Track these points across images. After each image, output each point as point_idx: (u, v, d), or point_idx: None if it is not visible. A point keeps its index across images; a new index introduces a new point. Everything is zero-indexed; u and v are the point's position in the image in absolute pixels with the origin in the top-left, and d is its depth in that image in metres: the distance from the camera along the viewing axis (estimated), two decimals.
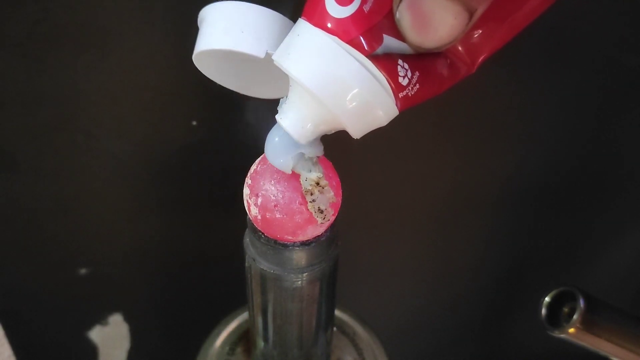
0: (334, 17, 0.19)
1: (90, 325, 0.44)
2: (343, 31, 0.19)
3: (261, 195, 0.22)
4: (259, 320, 0.26)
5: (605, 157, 0.42)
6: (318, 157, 0.22)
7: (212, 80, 0.25)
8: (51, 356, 0.45)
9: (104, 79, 0.33)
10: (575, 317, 0.28)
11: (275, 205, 0.21)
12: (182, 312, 0.46)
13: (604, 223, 0.46)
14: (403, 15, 0.19)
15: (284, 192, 0.21)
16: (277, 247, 0.23)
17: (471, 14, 0.18)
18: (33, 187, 0.36)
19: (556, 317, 0.30)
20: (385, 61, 0.19)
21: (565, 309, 0.30)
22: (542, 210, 0.45)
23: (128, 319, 0.44)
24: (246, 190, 0.22)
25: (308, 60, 0.19)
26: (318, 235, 0.23)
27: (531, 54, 0.36)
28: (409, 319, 0.51)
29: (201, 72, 0.24)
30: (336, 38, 0.19)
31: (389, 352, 0.31)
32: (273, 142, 0.22)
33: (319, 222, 0.22)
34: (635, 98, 0.39)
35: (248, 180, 0.22)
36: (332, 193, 0.22)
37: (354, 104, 0.20)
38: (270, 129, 0.22)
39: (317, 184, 0.21)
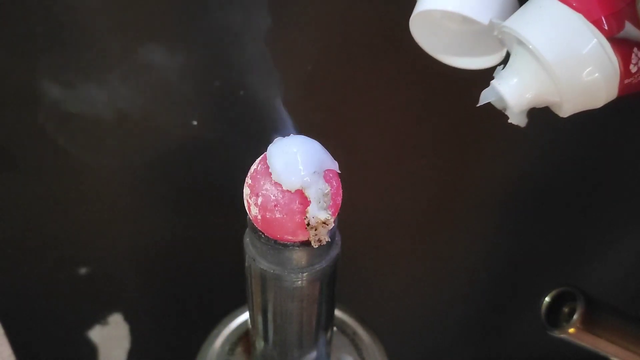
0: None
1: (90, 325, 0.44)
2: (588, 10, 0.20)
3: (261, 195, 0.22)
4: (259, 320, 0.26)
5: (605, 157, 0.42)
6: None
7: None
8: (51, 356, 0.45)
9: (104, 78, 0.33)
10: (575, 317, 0.28)
11: (275, 205, 0.21)
12: (182, 312, 0.46)
13: (604, 223, 0.46)
14: None
15: (284, 192, 0.21)
16: (277, 247, 0.23)
17: None
18: (33, 187, 0.36)
19: (556, 317, 0.30)
20: (622, 46, 0.20)
21: (565, 309, 0.30)
22: (542, 210, 0.45)
23: (128, 319, 0.44)
24: (246, 190, 0.22)
25: (549, 32, 0.20)
26: None
27: None
28: (409, 319, 0.51)
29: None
30: (581, 16, 0.20)
31: (389, 352, 0.31)
32: (291, 156, 0.21)
33: (314, 246, 0.22)
34: (636, 98, 0.39)
35: (248, 180, 0.22)
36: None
37: (583, 81, 0.20)
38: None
39: (324, 223, 0.21)
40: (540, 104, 0.22)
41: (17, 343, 0.41)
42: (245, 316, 0.32)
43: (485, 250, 0.47)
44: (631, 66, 0.21)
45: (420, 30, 0.25)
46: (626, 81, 0.21)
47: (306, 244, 0.23)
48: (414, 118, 0.39)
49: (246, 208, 0.23)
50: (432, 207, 0.44)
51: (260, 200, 0.22)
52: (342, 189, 0.23)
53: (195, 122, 0.35)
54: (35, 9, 0.30)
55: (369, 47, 0.35)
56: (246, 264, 0.24)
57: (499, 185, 0.43)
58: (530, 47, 0.20)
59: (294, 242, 0.22)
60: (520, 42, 0.21)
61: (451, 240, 0.46)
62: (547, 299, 0.30)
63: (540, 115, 0.39)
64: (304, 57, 0.34)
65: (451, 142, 0.40)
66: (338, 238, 0.24)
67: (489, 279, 0.49)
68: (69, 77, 0.32)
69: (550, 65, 0.20)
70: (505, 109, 0.23)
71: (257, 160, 0.23)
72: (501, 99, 0.22)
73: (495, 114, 0.39)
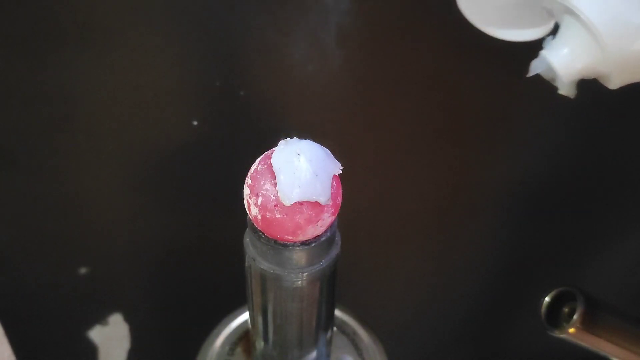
0: None
1: (90, 325, 0.44)
2: None
3: (261, 195, 0.22)
4: (259, 320, 0.26)
5: (605, 157, 0.42)
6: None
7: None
8: (51, 356, 0.45)
9: (104, 78, 0.33)
10: (575, 317, 0.28)
11: (275, 205, 0.21)
12: (182, 312, 0.46)
13: (604, 223, 0.46)
14: None
15: None
16: (277, 247, 0.23)
17: None
18: (33, 187, 0.36)
19: (556, 317, 0.30)
20: None
21: (565, 309, 0.30)
22: (542, 210, 0.45)
23: (128, 319, 0.44)
24: (246, 190, 0.22)
25: (605, 6, 0.19)
26: (318, 235, 0.23)
27: (531, 54, 0.36)
28: (409, 319, 0.51)
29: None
30: None
31: (389, 352, 0.31)
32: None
33: None
34: (636, 98, 0.39)
35: (248, 180, 0.22)
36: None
37: (634, 51, 0.20)
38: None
39: None
40: (590, 75, 0.22)
41: (17, 343, 0.41)
42: (245, 316, 0.32)
43: (485, 250, 0.47)
44: None
45: (467, 3, 0.25)
46: None
47: (306, 244, 0.23)
48: (415, 118, 0.39)
49: (246, 208, 0.23)
50: (432, 207, 0.44)
51: (260, 200, 0.22)
52: (342, 189, 0.23)
53: (195, 122, 0.35)
54: (35, 8, 0.30)
55: (369, 46, 0.35)
56: (246, 264, 0.24)
57: (499, 186, 0.43)
58: (581, 16, 0.20)
59: (294, 242, 0.22)
60: (570, 12, 0.21)
61: (451, 240, 0.46)
62: (547, 299, 0.30)
63: (540, 115, 0.39)
64: (304, 57, 0.34)
65: (451, 143, 0.40)
66: (338, 238, 0.24)
67: (489, 279, 0.49)
68: (68, 77, 0.32)
69: (601, 34, 0.20)
70: (554, 80, 0.23)
71: (257, 160, 0.23)
72: (551, 68, 0.22)
73: (496, 115, 0.39)
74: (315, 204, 0.21)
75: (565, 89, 0.23)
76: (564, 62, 0.21)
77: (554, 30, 0.23)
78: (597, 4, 0.20)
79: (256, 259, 0.24)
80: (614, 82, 0.22)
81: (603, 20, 0.20)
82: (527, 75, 0.23)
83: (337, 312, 0.33)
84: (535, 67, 0.23)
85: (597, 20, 0.20)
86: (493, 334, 0.54)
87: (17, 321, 0.41)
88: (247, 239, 0.24)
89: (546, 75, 0.23)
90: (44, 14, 0.30)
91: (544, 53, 0.22)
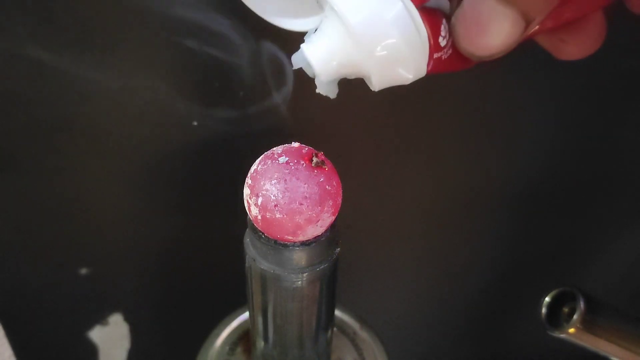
0: None
1: (90, 325, 0.44)
2: None
3: (261, 195, 0.22)
4: (259, 320, 0.26)
5: (605, 157, 0.42)
6: (321, 153, 0.22)
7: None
8: (51, 356, 0.45)
9: (104, 78, 0.33)
10: (575, 317, 0.28)
11: (275, 205, 0.21)
12: (182, 312, 0.46)
13: (604, 223, 0.46)
14: (459, 21, 0.18)
15: (285, 192, 0.21)
16: (277, 247, 0.23)
17: (528, 23, 0.18)
18: (33, 187, 0.36)
19: (556, 317, 0.30)
20: (432, 17, 0.19)
21: (565, 309, 0.30)
22: (542, 210, 0.45)
23: (128, 319, 0.44)
24: (246, 191, 0.22)
25: (360, 0, 0.18)
26: (318, 235, 0.23)
27: (531, 55, 0.36)
28: (409, 319, 0.51)
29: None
30: None
31: (389, 352, 0.31)
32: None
33: None
34: (635, 98, 0.39)
35: (248, 180, 0.22)
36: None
37: (387, 51, 0.19)
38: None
39: None
40: (350, 74, 0.21)
41: (17, 343, 0.41)
42: (245, 316, 0.32)
43: (485, 250, 0.47)
44: (440, 39, 0.19)
45: None
46: (436, 55, 0.19)
47: (306, 244, 0.23)
48: (414, 118, 0.39)
49: (246, 208, 0.23)
50: (432, 207, 0.44)
51: (260, 200, 0.22)
52: (342, 189, 0.23)
53: (195, 123, 0.35)
54: (36, 9, 0.30)
55: None
56: (246, 265, 0.24)
57: (499, 186, 0.43)
58: (336, 8, 0.19)
59: (294, 242, 0.22)
60: (329, 4, 0.19)
61: (451, 240, 0.46)
62: (547, 299, 0.30)
63: (540, 115, 0.39)
64: None
65: (451, 142, 0.40)
66: (338, 238, 0.24)
67: (489, 279, 0.49)
68: (69, 78, 0.32)
69: (354, 29, 0.18)
70: (314, 77, 0.21)
71: (257, 161, 0.23)
72: (308, 64, 0.20)
73: (495, 115, 0.39)
74: (315, 204, 0.21)
75: (324, 88, 0.21)
76: (319, 57, 0.20)
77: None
78: None
79: (256, 259, 0.24)
80: (374, 84, 0.20)
81: (356, 14, 0.18)
82: (293, 69, 0.21)
83: (337, 312, 0.33)
84: (296, 62, 0.21)
85: (349, 13, 0.18)
86: (493, 334, 0.54)
87: (17, 321, 0.41)
88: (247, 239, 0.24)
89: (308, 71, 0.21)
90: (45, 15, 0.30)
91: (303, 47, 0.20)
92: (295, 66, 0.21)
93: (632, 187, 0.43)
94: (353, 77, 0.21)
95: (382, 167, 0.41)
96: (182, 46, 0.33)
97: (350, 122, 0.38)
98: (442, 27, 0.19)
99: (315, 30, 0.20)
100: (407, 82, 0.20)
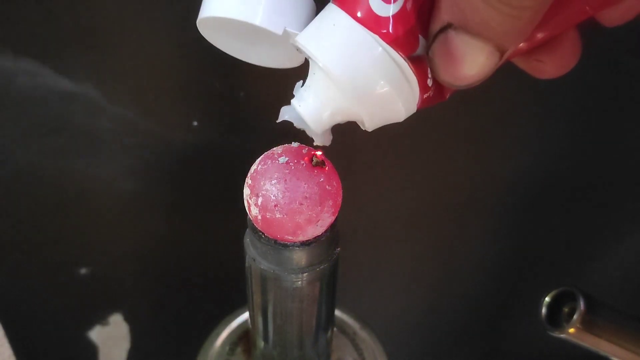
0: (376, 14, 0.18)
1: (90, 325, 0.44)
2: (385, 30, 0.18)
3: (261, 195, 0.22)
4: (259, 320, 0.26)
5: (606, 158, 0.42)
6: (321, 153, 0.22)
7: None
8: (51, 356, 0.45)
9: (104, 79, 0.33)
10: (575, 317, 0.28)
11: (275, 205, 0.21)
12: (182, 312, 0.46)
13: (605, 223, 0.46)
14: (436, 55, 0.19)
15: (284, 192, 0.21)
16: (277, 247, 0.23)
17: (502, 53, 0.18)
18: (33, 187, 0.36)
19: (556, 317, 0.30)
20: (419, 63, 0.19)
21: (565, 309, 0.30)
22: (542, 210, 0.45)
23: (128, 319, 0.44)
24: (246, 191, 0.22)
25: (343, 54, 0.19)
26: (318, 235, 0.23)
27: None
28: (409, 319, 0.51)
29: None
30: (378, 37, 0.18)
31: (389, 352, 0.31)
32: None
33: None
34: (636, 99, 0.39)
35: (248, 180, 0.22)
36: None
37: (379, 100, 0.19)
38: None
39: None
40: (343, 120, 0.21)
41: (17, 343, 0.41)
42: (245, 316, 0.32)
43: (485, 250, 0.47)
44: (428, 80, 0.20)
45: (212, 32, 0.22)
46: (425, 95, 0.20)
47: (306, 244, 0.23)
48: (415, 118, 0.39)
49: (246, 208, 0.23)
50: (432, 207, 0.44)
51: (260, 200, 0.22)
52: (342, 189, 0.23)
53: (195, 123, 0.35)
54: (37, 11, 0.30)
55: None
56: (246, 265, 0.24)
57: (499, 185, 0.43)
58: (320, 64, 0.19)
59: (294, 242, 0.22)
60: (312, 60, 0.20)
61: (451, 240, 0.46)
62: (547, 299, 0.30)
63: (541, 116, 0.39)
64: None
65: (451, 142, 0.40)
66: (338, 238, 0.24)
67: (489, 279, 0.49)
68: (68, 78, 0.32)
69: (339, 80, 0.19)
70: (304, 129, 0.21)
71: (257, 161, 0.23)
72: (301, 119, 0.21)
73: (497, 116, 0.39)
74: (315, 204, 0.21)
75: (319, 139, 0.22)
76: (310, 112, 0.20)
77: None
78: (339, 59, 0.19)
79: (256, 259, 0.24)
80: (367, 126, 0.21)
81: (347, 76, 0.19)
82: (277, 121, 0.22)
83: (337, 312, 0.33)
84: (283, 114, 0.21)
85: (333, 65, 0.19)
86: (493, 333, 0.54)
87: (17, 321, 0.41)
88: (247, 239, 0.24)
89: (297, 124, 0.21)
90: (46, 16, 0.30)
91: (294, 102, 0.21)
92: (283, 118, 0.21)
93: (633, 187, 0.43)
94: (345, 121, 0.21)
95: (383, 167, 0.41)
96: (182, 46, 0.33)
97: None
98: (429, 70, 0.20)
99: (302, 84, 0.21)
100: (401, 120, 0.21)
